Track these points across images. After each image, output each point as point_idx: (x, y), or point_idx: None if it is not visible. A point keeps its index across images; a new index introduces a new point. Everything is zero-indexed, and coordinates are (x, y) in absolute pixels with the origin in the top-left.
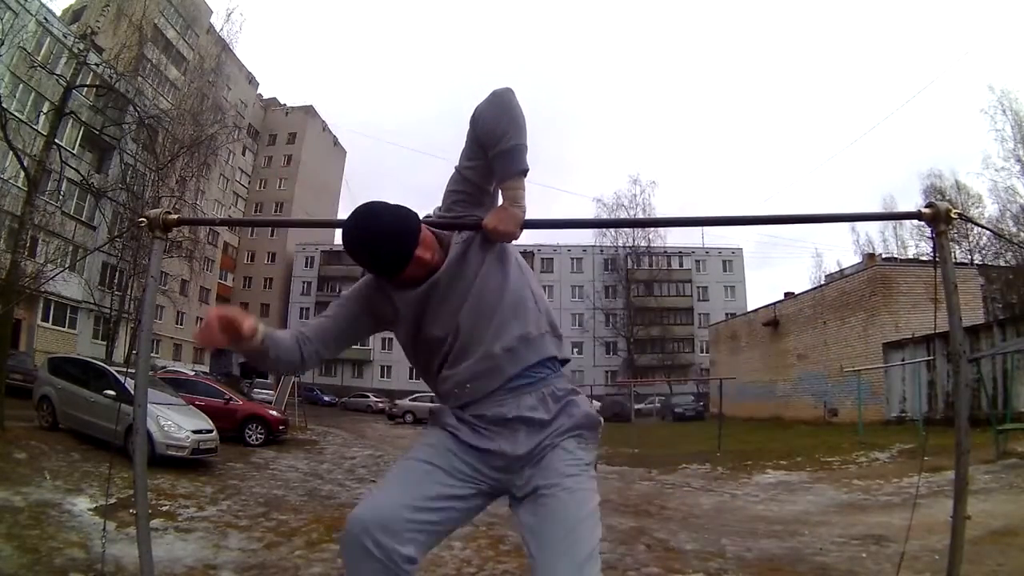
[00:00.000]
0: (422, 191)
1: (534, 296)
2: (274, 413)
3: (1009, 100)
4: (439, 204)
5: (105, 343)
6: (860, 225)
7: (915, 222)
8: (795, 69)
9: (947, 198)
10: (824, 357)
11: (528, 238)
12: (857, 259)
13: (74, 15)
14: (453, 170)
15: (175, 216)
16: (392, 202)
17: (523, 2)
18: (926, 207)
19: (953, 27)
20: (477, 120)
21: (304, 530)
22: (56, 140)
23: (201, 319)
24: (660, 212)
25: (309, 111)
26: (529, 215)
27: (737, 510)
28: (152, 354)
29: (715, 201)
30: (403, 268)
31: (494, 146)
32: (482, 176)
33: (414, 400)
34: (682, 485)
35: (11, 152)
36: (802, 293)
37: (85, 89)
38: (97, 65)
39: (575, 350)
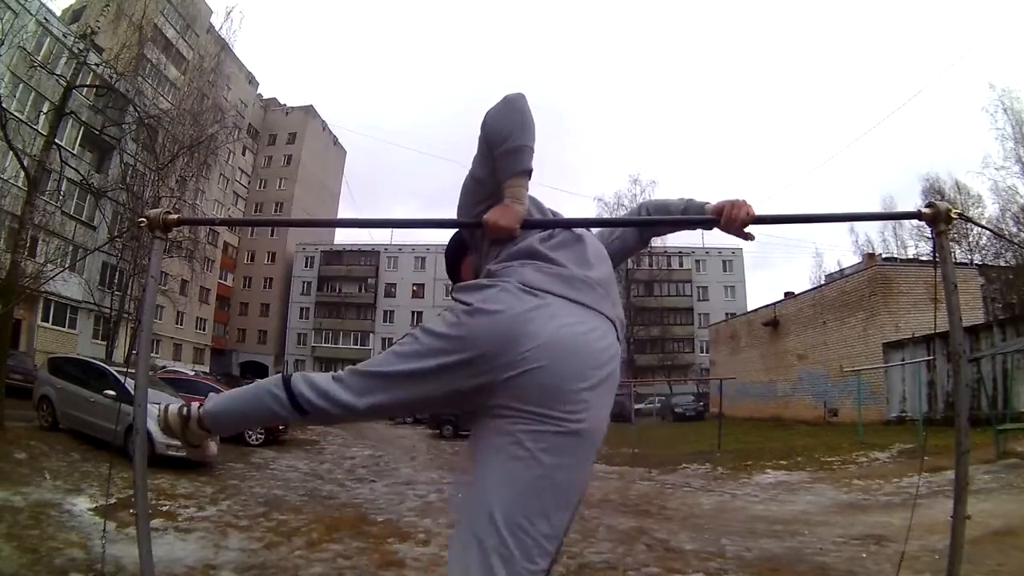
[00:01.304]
0: (422, 192)
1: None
2: None
3: (1010, 99)
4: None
5: (105, 343)
6: (860, 225)
7: (915, 222)
8: (795, 69)
9: (947, 198)
10: (824, 357)
11: None
12: (857, 259)
13: (74, 15)
14: (467, 179)
15: (175, 216)
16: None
17: (526, 6)
18: (926, 207)
19: (953, 27)
20: (486, 122)
21: (304, 530)
22: (56, 140)
23: (201, 319)
24: None
25: (309, 111)
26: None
27: (737, 510)
28: (152, 354)
29: (715, 201)
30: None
31: (499, 146)
32: (492, 177)
33: None
34: (682, 485)
35: (11, 152)
36: (802, 293)
37: (85, 89)
38: (97, 65)
39: None
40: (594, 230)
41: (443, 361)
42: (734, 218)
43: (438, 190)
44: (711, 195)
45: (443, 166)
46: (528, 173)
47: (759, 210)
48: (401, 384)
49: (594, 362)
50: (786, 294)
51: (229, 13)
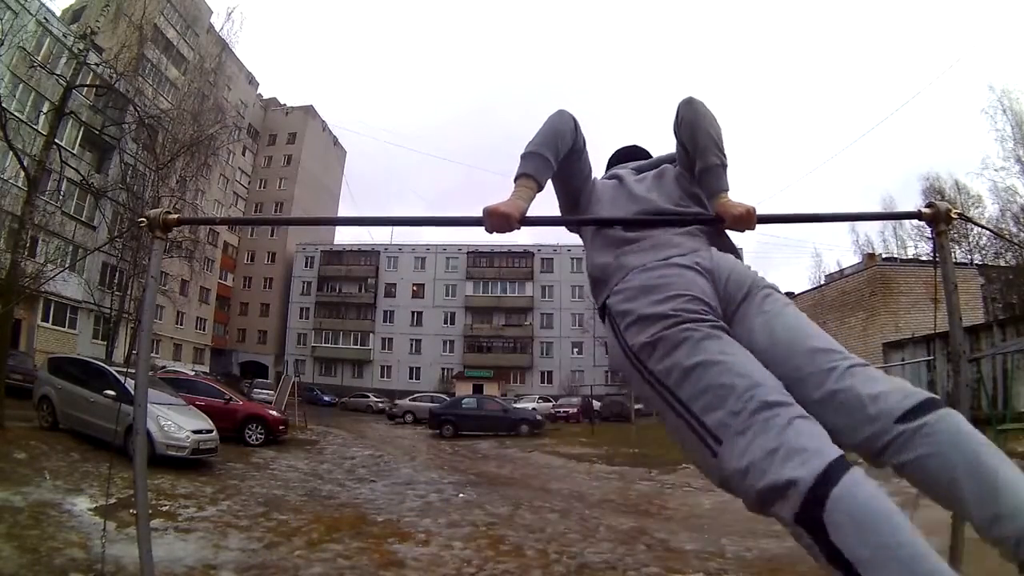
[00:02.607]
0: (423, 193)
1: None
2: (274, 413)
3: (1009, 100)
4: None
5: (105, 343)
6: (860, 225)
7: (915, 222)
8: (795, 70)
9: (947, 198)
10: None
11: (529, 238)
12: (856, 259)
13: (74, 15)
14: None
15: (175, 216)
16: None
17: (532, 8)
18: (926, 207)
19: (953, 28)
20: None
21: (304, 530)
22: (56, 140)
23: (201, 319)
24: None
25: (309, 111)
26: (533, 214)
27: (737, 510)
28: (152, 354)
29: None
30: None
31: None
32: (561, 179)
33: (414, 400)
34: (682, 485)
35: (11, 152)
36: (802, 293)
37: (85, 89)
38: (97, 65)
39: (575, 350)
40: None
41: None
42: (737, 221)
43: (441, 192)
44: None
45: (445, 167)
46: (526, 177)
47: (759, 210)
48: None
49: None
50: (786, 294)
51: (230, 14)
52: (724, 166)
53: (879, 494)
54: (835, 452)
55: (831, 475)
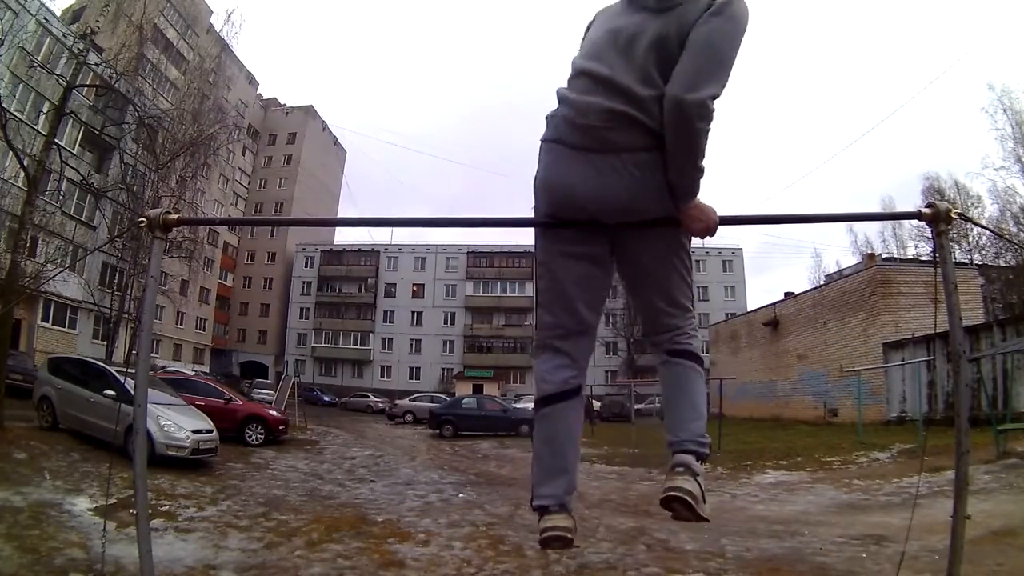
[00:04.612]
0: (424, 193)
1: None
2: (274, 413)
3: (1010, 99)
4: None
5: (105, 343)
6: (859, 226)
7: (914, 223)
8: (794, 70)
9: (947, 198)
10: (824, 357)
11: (528, 237)
12: (855, 260)
13: (74, 15)
14: None
15: (175, 216)
16: None
17: (536, 8)
18: (926, 207)
19: (953, 28)
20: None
21: (304, 530)
22: (56, 140)
23: (201, 319)
24: None
25: (309, 111)
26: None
27: (737, 510)
28: (152, 354)
29: (714, 202)
30: None
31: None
32: None
33: (414, 400)
34: None
35: (11, 152)
36: (802, 293)
37: (85, 89)
38: (97, 65)
39: None
40: None
41: None
42: (697, 233)
43: (443, 192)
44: (710, 196)
45: (447, 168)
46: None
47: (759, 211)
48: None
49: None
50: (786, 294)
51: (230, 15)
52: (702, 175)
53: (552, 420)
54: (546, 391)
55: (539, 404)
